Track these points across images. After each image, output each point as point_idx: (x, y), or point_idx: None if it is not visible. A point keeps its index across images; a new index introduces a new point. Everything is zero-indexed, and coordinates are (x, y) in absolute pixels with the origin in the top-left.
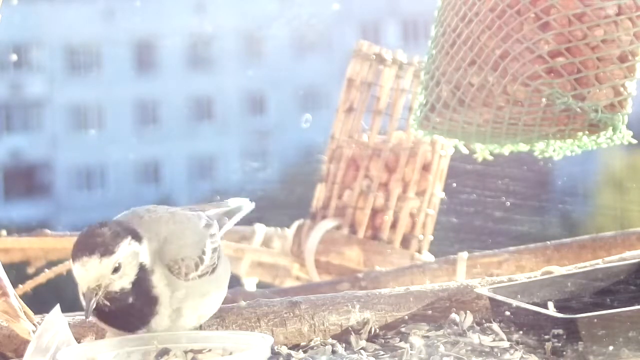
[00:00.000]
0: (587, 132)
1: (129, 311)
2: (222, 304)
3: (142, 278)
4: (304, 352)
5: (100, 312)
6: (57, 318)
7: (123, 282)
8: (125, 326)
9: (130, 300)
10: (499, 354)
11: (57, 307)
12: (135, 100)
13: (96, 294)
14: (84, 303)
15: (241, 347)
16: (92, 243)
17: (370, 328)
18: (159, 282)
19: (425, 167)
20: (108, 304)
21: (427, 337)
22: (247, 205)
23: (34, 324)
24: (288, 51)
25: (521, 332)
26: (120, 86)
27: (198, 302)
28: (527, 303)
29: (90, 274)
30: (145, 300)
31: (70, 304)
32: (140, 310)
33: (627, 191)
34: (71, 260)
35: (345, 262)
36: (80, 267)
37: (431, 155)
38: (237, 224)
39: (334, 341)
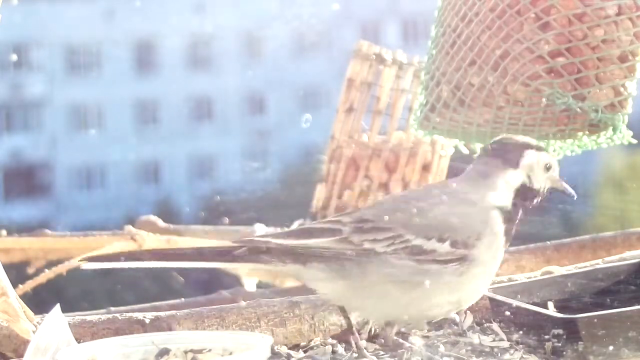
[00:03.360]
0: (587, 132)
1: None
2: (222, 303)
3: None
4: (304, 352)
5: None
6: (57, 318)
7: None
8: None
9: None
10: (499, 354)
11: (57, 307)
12: (135, 100)
13: None
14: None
15: (241, 347)
16: None
17: (370, 328)
18: None
19: (425, 167)
20: None
21: (427, 337)
22: None
23: (34, 324)
24: (288, 51)
25: (521, 332)
26: (120, 86)
27: None
28: (527, 303)
29: None
30: None
31: (70, 304)
32: None
33: (627, 191)
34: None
35: None
36: None
37: (431, 155)
38: (237, 223)
39: (334, 341)
